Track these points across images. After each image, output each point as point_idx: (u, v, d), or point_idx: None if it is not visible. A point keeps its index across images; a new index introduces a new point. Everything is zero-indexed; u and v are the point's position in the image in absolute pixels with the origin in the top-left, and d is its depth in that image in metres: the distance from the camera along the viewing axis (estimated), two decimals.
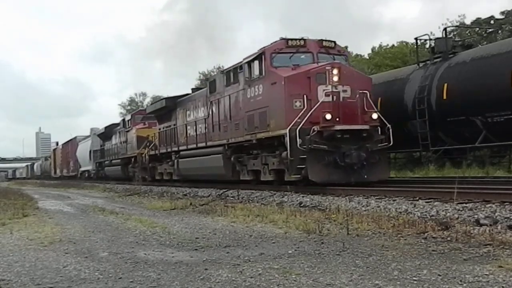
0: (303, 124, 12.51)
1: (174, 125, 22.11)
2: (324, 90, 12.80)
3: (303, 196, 12.31)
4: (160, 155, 23.97)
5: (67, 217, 11.09)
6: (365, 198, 10.58)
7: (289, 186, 13.69)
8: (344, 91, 12.93)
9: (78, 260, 5.85)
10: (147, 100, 79.87)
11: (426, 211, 8.54)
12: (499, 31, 33.12)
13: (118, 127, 33.47)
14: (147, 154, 25.49)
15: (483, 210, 7.97)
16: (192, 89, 23.29)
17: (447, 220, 7.35)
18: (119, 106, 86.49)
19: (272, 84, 13.68)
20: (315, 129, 12.52)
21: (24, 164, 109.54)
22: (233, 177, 16.49)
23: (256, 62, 14.45)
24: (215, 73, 59.84)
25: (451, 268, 4.72)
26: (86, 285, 4.68)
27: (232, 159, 16.21)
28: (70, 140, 54.67)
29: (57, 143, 74.41)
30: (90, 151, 41.97)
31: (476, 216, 7.64)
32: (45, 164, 73.83)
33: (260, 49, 14.37)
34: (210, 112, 17.75)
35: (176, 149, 21.50)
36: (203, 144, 18.36)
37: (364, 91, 13.11)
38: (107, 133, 36.04)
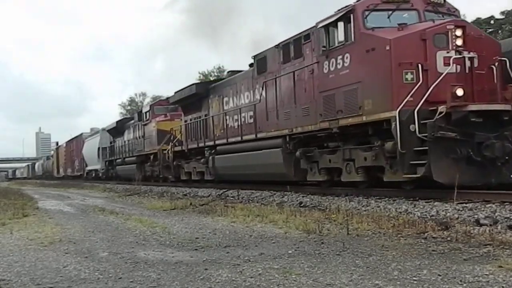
0: (421, 105, 9.42)
1: (206, 115, 18.70)
2: (446, 57, 9.72)
3: (303, 196, 12.32)
4: (188, 152, 20.52)
5: (67, 217, 11.08)
6: (365, 198, 10.59)
7: (288, 186, 13.66)
8: (471, 58, 9.84)
9: (78, 260, 5.85)
10: (147, 100, 79.99)
11: (426, 211, 8.55)
12: (499, 31, 33.11)
13: (132, 121, 30.42)
14: (170, 151, 22.04)
15: (483, 210, 7.98)
16: (229, 71, 19.57)
17: (447, 220, 7.35)
18: (119, 106, 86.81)
19: (368, 52, 10.38)
20: (442, 110, 9.23)
21: (24, 164, 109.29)
22: (295, 177, 13.38)
23: (340, 25, 11.10)
24: (215, 73, 59.74)
25: (451, 268, 4.72)
26: (86, 285, 4.68)
27: (297, 154, 12.83)
28: (76, 137, 50.77)
29: (57, 143, 73.77)
30: (98, 149, 38.23)
31: (476, 216, 7.64)
32: (47, 164, 71.27)
33: (346, 6, 11.16)
34: (261, 97, 14.39)
35: (210, 143, 18.08)
36: (251, 137, 15.02)
37: (502, 58, 10.05)
38: (119, 128, 32.65)
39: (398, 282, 4.31)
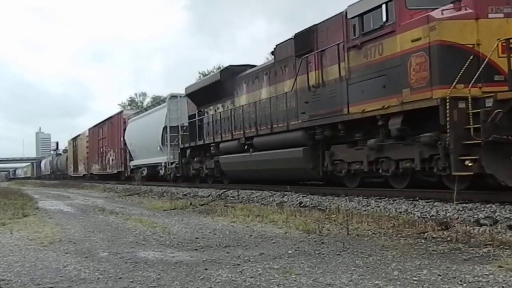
0: None
1: None
2: None
3: (303, 196, 12.32)
4: None
5: (67, 217, 11.08)
6: (365, 198, 10.59)
7: (289, 186, 13.66)
8: None
9: (78, 260, 5.85)
10: (147, 100, 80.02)
11: (426, 211, 8.55)
12: None
13: (265, 66, 16.16)
14: None
15: (483, 210, 7.98)
16: None
17: (447, 220, 7.35)
18: (119, 106, 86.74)
19: None
20: None
21: (25, 164, 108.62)
22: None
23: None
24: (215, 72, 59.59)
25: (451, 268, 4.72)
26: (86, 285, 4.68)
27: None
28: (109, 118, 34.78)
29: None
30: (164, 129, 24.38)
31: (476, 216, 7.64)
32: (59, 160, 58.13)
33: None
34: None
35: None
36: None
37: None
38: (224, 84, 17.79)
39: (398, 282, 4.31)
